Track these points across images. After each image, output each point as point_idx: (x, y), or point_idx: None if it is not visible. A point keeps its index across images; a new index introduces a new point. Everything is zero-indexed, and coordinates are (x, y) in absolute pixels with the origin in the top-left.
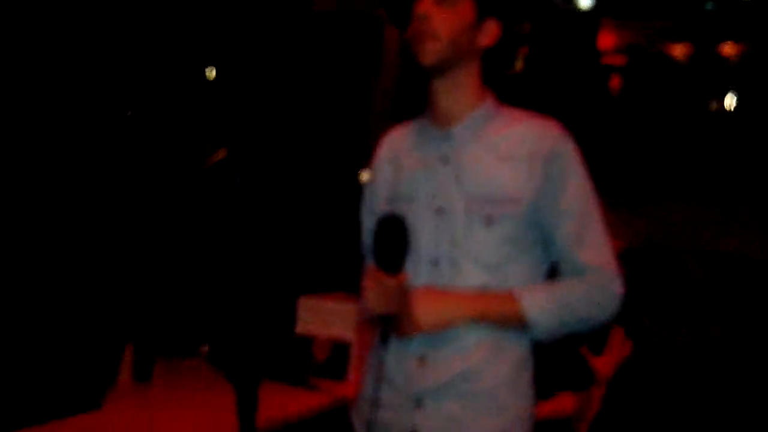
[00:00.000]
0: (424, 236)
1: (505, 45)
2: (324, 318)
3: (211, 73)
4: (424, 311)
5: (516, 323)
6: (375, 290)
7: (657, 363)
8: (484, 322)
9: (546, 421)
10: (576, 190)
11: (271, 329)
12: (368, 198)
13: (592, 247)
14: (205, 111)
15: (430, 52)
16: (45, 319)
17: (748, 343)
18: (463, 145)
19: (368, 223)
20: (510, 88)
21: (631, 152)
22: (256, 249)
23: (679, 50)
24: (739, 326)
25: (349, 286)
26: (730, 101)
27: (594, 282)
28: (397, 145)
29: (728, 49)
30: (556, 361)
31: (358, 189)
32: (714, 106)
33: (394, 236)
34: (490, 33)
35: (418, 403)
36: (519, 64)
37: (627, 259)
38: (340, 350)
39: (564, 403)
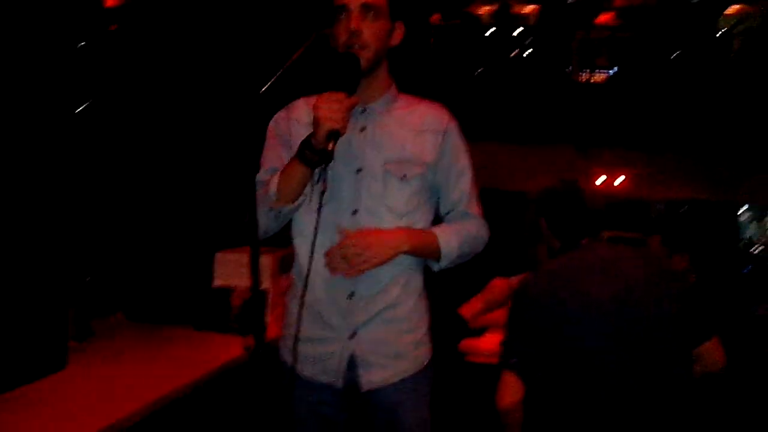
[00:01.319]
0: (345, 190)
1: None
2: (238, 270)
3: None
4: (369, 247)
5: (432, 255)
6: (332, 107)
7: None
8: (415, 252)
9: None
10: (464, 158)
11: (191, 283)
12: (275, 144)
13: (474, 201)
14: None
15: (363, 59)
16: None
17: None
18: (378, 118)
19: (276, 164)
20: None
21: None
22: (172, 212)
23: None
24: None
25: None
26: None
27: (477, 226)
28: None
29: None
30: None
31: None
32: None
33: (347, 67)
34: (399, 34)
35: (353, 334)
36: None
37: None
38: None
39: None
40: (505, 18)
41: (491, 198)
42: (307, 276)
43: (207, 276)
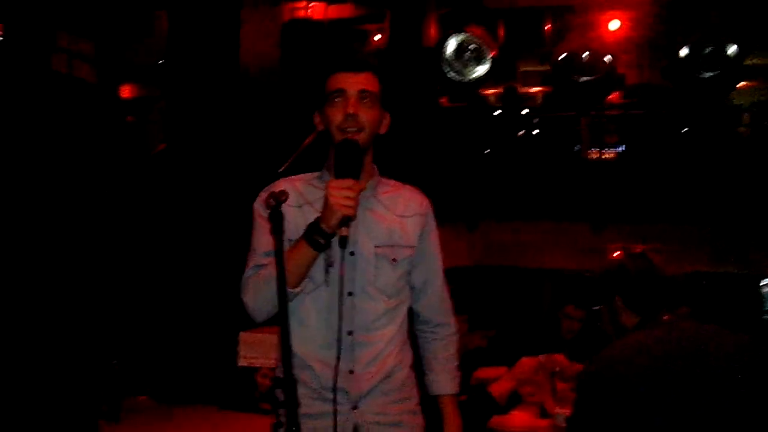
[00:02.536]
0: (340, 274)
1: None
2: (264, 350)
3: None
4: None
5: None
6: (343, 193)
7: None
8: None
9: None
10: (437, 238)
11: (215, 362)
12: (267, 227)
13: (442, 279)
14: None
15: (360, 142)
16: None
17: None
18: (367, 203)
19: (269, 247)
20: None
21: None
22: (196, 292)
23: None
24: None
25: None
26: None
27: (451, 334)
28: (305, 195)
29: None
30: None
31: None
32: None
33: (352, 153)
34: (386, 123)
35: (355, 406)
36: None
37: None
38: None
39: None
40: (512, 98)
41: (508, 275)
42: (313, 358)
43: (231, 355)
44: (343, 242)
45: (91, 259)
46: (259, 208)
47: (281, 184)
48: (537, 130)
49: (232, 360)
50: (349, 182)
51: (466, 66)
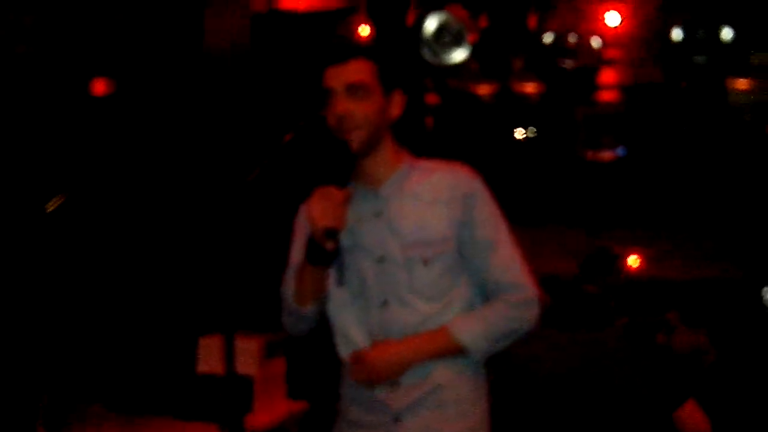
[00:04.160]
0: (370, 282)
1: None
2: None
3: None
4: (381, 367)
5: (455, 351)
6: (325, 204)
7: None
8: (432, 357)
9: None
10: (488, 221)
11: (172, 369)
12: (301, 240)
13: (507, 268)
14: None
15: (357, 140)
16: None
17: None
18: (391, 200)
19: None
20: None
21: None
22: (155, 293)
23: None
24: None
25: (247, 324)
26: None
27: (513, 299)
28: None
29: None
30: None
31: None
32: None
33: (340, 155)
34: (397, 104)
35: (397, 419)
36: None
37: None
38: (243, 385)
39: None
40: (507, 97)
41: None
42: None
43: (190, 362)
44: (329, 256)
45: (38, 259)
46: (297, 221)
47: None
48: (533, 129)
49: (190, 367)
50: (329, 191)
51: (444, 48)
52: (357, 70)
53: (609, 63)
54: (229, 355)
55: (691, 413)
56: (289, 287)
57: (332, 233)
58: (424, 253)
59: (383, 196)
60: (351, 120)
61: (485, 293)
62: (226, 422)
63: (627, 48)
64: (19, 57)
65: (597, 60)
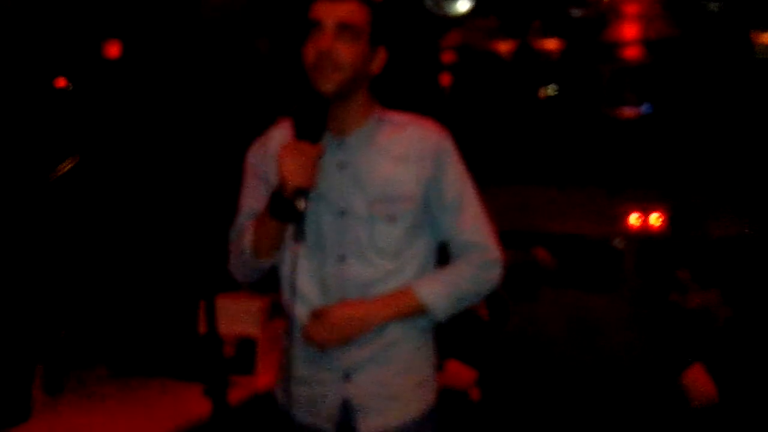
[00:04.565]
0: (329, 235)
1: None
2: (228, 316)
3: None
4: (342, 328)
5: (419, 312)
6: (295, 160)
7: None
8: (394, 318)
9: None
10: (457, 181)
11: (174, 330)
12: (255, 183)
13: (472, 228)
14: (56, 119)
15: (333, 81)
16: None
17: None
18: (358, 152)
19: (254, 205)
20: None
21: (467, 144)
22: (154, 254)
23: (504, 47)
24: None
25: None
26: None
27: (477, 259)
28: None
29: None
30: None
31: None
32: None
33: (316, 109)
34: (380, 60)
35: (347, 376)
36: None
37: None
38: (246, 346)
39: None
40: (528, 54)
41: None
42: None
43: (192, 324)
44: (298, 216)
45: (39, 221)
46: (249, 161)
47: (275, 133)
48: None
49: (193, 328)
50: (303, 146)
51: None
52: (353, 11)
53: (619, 16)
54: (210, 316)
55: (697, 377)
56: (246, 238)
57: (303, 192)
58: (390, 209)
59: (350, 147)
60: (334, 59)
61: (441, 252)
62: (208, 382)
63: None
64: (25, 18)
65: (607, 11)
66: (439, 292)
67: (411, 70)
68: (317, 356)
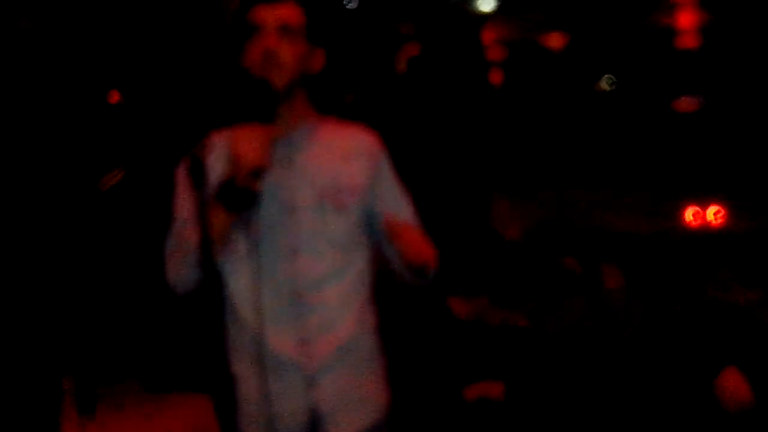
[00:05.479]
0: (280, 231)
1: (387, 45)
2: None
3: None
4: None
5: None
6: (249, 141)
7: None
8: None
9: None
10: (397, 183)
11: (206, 344)
12: (188, 193)
13: (415, 226)
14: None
15: (280, 78)
16: None
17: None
18: (303, 148)
19: (187, 215)
20: (396, 87)
21: (519, 142)
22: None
23: (554, 40)
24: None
25: None
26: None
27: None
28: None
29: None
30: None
31: None
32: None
33: (260, 94)
34: (318, 60)
35: (311, 382)
36: (402, 65)
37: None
38: None
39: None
40: (579, 47)
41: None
42: (259, 329)
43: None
44: (253, 198)
45: (62, 230)
46: (181, 171)
47: (213, 140)
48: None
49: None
50: (255, 128)
51: None
52: (291, 13)
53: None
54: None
55: (732, 381)
56: (189, 238)
57: (259, 173)
58: (339, 199)
59: (295, 144)
60: (278, 57)
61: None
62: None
63: None
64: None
65: None
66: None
67: (456, 71)
68: (277, 365)
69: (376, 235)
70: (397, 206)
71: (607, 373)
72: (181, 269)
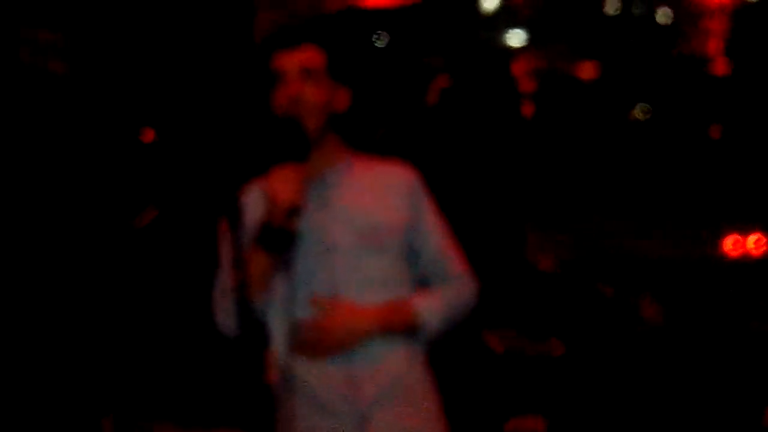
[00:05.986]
0: (318, 274)
1: (417, 79)
2: None
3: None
4: (336, 329)
5: (411, 327)
6: (284, 181)
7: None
8: (390, 331)
9: None
10: (435, 215)
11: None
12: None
13: (454, 259)
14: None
15: (309, 119)
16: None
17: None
18: (338, 188)
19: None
20: (425, 120)
21: (552, 172)
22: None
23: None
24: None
25: None
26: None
27: (460, 286)
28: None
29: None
30: None
31: None
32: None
33: (291, 134)
34: (344, 99)
35: (364, 419)
36: (432, 97)
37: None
38: None
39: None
40: (610, 76)
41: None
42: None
43: (259, 373)
44: (291, 238)
45: (90, 260)
46: (222, 218)
47: (250, 188)
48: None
49: (259, 377)
50: (289, 169)
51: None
52: (311, 56)
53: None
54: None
55: None
56: (226, 284)
57: (295, 212)
58: (377, 239)
59: (329, 185)
60: (303, 100)
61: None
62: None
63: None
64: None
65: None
66: (434, 309)
67: (487, 103)
68: (324, 402)
69: (417, 269)
70: (428, 244)
71: (645, 401)
72: (229, 314)
